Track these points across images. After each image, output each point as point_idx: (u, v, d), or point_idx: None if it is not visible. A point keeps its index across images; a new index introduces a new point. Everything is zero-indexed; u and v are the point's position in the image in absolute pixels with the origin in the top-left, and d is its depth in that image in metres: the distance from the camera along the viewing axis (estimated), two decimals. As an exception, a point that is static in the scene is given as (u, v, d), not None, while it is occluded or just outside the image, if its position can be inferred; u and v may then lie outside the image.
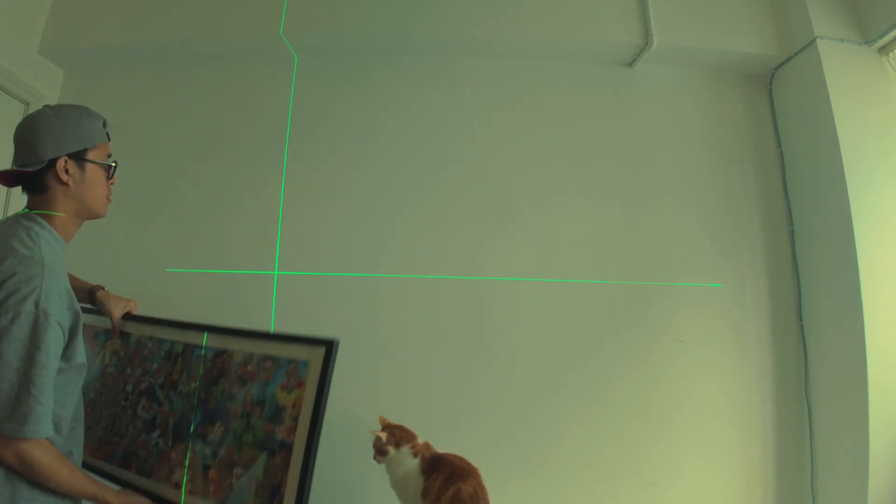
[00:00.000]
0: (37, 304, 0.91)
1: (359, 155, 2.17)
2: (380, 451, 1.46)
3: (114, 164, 1.14)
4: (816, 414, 1.99)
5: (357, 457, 1.94)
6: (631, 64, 2.26)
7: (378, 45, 2.23)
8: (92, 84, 2.32)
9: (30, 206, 1.06)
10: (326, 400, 1.10)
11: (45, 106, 1.09)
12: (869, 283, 1.82)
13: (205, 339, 1.30)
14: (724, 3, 2.18)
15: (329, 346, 1.12)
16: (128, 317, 1.40)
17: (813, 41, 2.01)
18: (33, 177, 1.03)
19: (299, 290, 2.01)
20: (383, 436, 1.44)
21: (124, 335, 1.40)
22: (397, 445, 1.44)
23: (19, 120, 1.96)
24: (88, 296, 1.36)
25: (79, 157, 1.05)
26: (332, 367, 1.11)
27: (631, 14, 2.14)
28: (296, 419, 1.10)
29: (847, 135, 1.92)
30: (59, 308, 0.96)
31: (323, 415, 1.09)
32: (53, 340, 0.94)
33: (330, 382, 1.11)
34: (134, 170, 2.16)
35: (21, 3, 2.13)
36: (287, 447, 1.09)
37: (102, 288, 1.39)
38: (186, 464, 1.24)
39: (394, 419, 1.53)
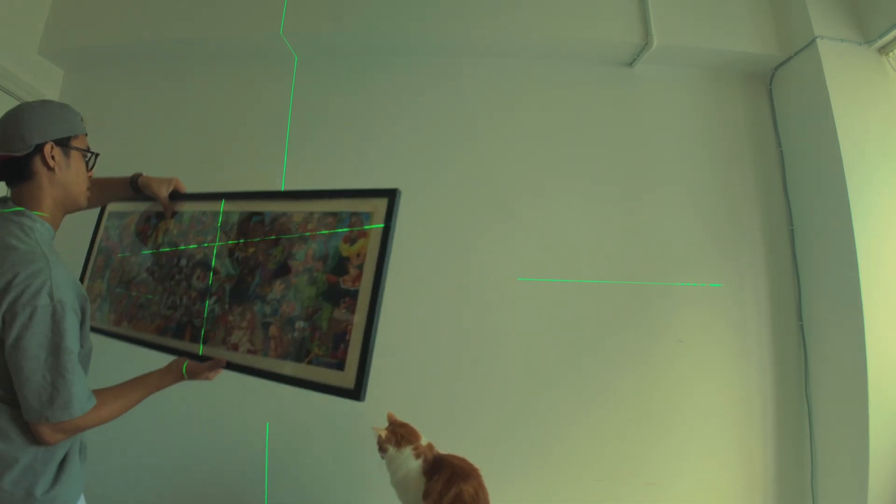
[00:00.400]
0: (51, 296, 0.94)
1: (359, 155, 2.17)
2: (380, 448, 1.47)
3: (95, 154, 1.17)
4: (816, 414, 2.00)
5: (358, 456, 1.95)
6: (631, 64, 2.26)
7: (378, 46, 2.23)
8: (92, 84, 2.32)
9: (13, 197, 1.07)
10: (391, 246, 1.09)
11: (26, 101, 1.12)
12: (869, 283, 1.82)
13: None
14: (724, 3, 2.18)
15: (392, 196, 1.11)
16: (176, 196, 1.42)
17: (813, 41, 2.01)
18: (21, 164, 1.05)
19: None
20: (383, 433, 1.45)
21: (177, 214, 1.41)
22: (398, 445, 1.44)
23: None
24: (131, 185, 1.40)
25: (64, 144, 1.09)
26: (396, 215, 1.11)
27: (631, 14, 2.14)
28: (360, 267, 1.10)
29: (847, 135, 1.92)
30: (70, 296, 0.99)
31: (388, 260, 1.08)
32: (72, 325, 0.97)
33: (395, 229, 1.10)
34: (133, 169, 2.17)
35: (21, 3, 2.13)
36: (352, 294, 1.09)
37: (141, 174, 1.41)
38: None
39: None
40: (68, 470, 1.03)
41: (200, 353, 1.23)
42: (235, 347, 1.18)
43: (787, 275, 2.13)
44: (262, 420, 1.99)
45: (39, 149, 1.04)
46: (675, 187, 2.17)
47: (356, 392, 1.05)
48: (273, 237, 1.23)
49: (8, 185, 1.09)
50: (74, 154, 1.11)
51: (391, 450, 1.45)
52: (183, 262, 1.34)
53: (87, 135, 1.17)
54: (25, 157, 1.04)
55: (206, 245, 1.32)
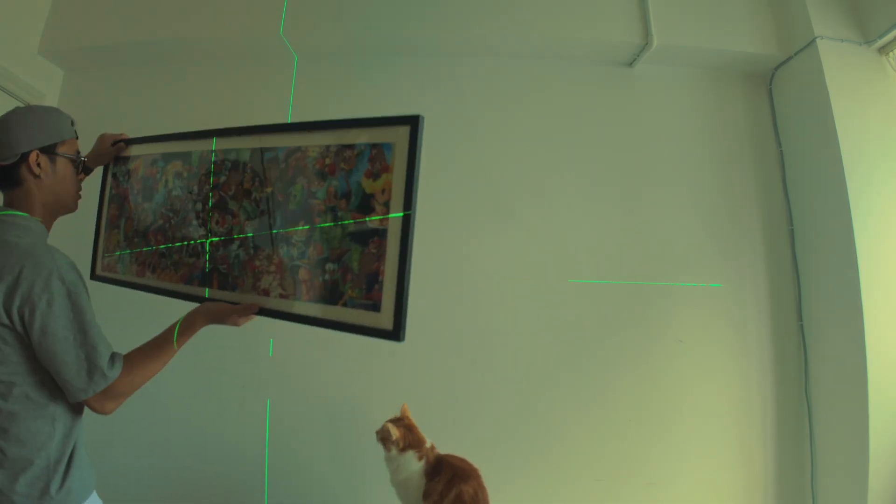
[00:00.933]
0: (62, 280, 0.97)
1: (359, 155, 2.17)
2: (384, 444, 1.47)
3: (83, 159, 1.19)
4: (816, 414, 2.00)
5: (358, 456, 1.95)
6: (631, 64, 2.26)
7: (378, 46, 2.23)
8: (92, 84, 2.32)
9: (6, 202, 1.10)
10: (418, 181, 1.05)
11: (17, 107, 1.14)
12: (869, 283, 1.82)
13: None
14: (724, 3, 2.18)
15: (414, 123, 1.07)
16: (132, 141, 1.44)
17: (813, 41, 2.01)
18: (9, 171, 1.07)
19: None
20: (396, 433, 1.44)
21: (184, 154, 1.38)
22: (402, 451, 1.44)
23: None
24: (83, 171, 1.41)
25: (49, 151, 1.10)
26: (420, 146, 1.06)
27: (631, 14, 2.14)
28: (386, 204, 1.06)
29: (847, 135, 1.92)
30: (76, 278, 1.01)
31: (416, 196, 1.04)
32: (87, 301, 1.01)
33: (419, 161, 1.06)
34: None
35: (21, 3, 2.12)
36: (381, 234, 1.05)
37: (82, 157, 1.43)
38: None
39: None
40: (77, 463, 1.04)
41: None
42: (266, 293, 1.15)
43: (787, 275, 2.13)
44: (262, 420, 1.99)
45: (25, 157, 1.06)
46: (675, 187, 2.17)
47: (395, 333, 1.02)
48: (290, 174, 1.18)
49: (0, 190, 1.11)
50: (61, 160, 1.12)
51: (394, 451, 1.45)
52: (199, 206, 1.30)
53: (77, 138, 1.18)
54: (12, 164, 1.06)
55: (219, 187, 1.27)
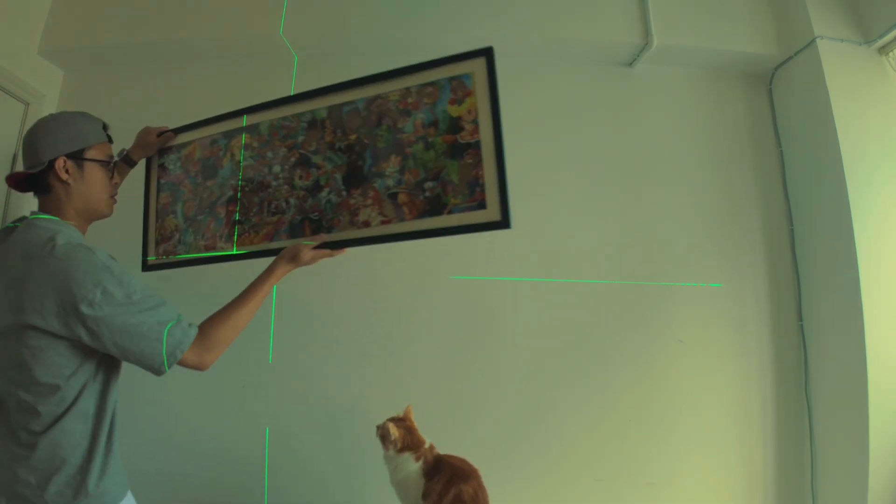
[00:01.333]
0: (108, 269, 0.98)
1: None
2: (383, 442, 1.47)
3: (117, 161, 1.19)
4: (816, 414, 2.00)
5: (358, 456, 1.95)
6: (631, 64, 2.26)
7: (378, 45, 2.22)
8: (92, 84, 2.31)
9: (40, 208, 1.11)
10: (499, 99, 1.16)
11: (48, 115, 1.14)
12: (869, 283, 1.82)
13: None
14: (724, 3, 2.18)
15: (489, 53, 1.17)
16: (181, 129, 1.50)
17: (813, 41, 2.01)
18: (38, 178, 1.08)
19: (299, 291, 2.01)
20: (396, 433, 1.44)
21: (244, 130, 1.45)
22: (400, 451, 1.44)
23: (19, 120, 1.97)
24: (126, 164, 1.47)
25: (77, 157, 1.10)
26: (496, 70, 1.17)
27: (631, 14, 2.14)
28: (474, 121, 1.18)
29: (847, 135, 1.92)
30: (117, 264, 1.02)
31: (500, 110, 1.16)
32: (137, 280, 1.01)
33: (497, 84, 1.17)
34: (133, 170, 2.17)
35: (21, 3, 2.12)
36: (474, 145, 1.17)
37: (124, 149, 1.46)
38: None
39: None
40: (113, 462, 1.03)
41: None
42: (367, 224, 1.23)
43: (787, 275, 2.13)
44: (262, 421, 1.99)
45: (53, 164, 1.07)
46: (675, 187, 2.17)
47: (504, 222, 1.17)
48: (374, 119, 1.27)
49: (35, 194, 1.12)
50: (89, 165, 1.11)
51: (392, 450, 1.45)
52: (276, 168, 1.36)
53: (111, 142, 1.17)
54: (41, 172, 1.07)
55: (298, 147, 1.34)
